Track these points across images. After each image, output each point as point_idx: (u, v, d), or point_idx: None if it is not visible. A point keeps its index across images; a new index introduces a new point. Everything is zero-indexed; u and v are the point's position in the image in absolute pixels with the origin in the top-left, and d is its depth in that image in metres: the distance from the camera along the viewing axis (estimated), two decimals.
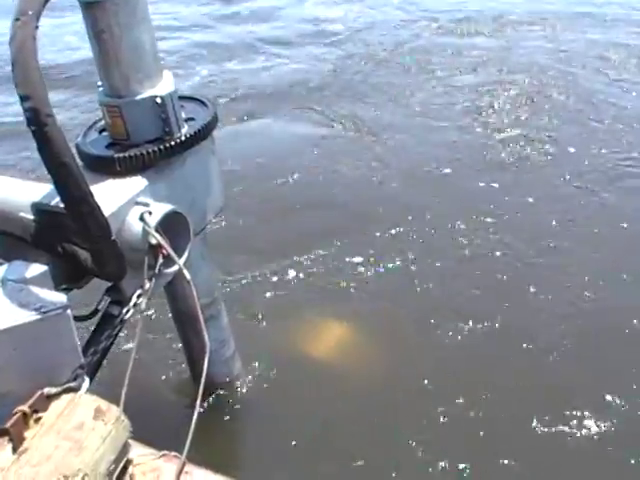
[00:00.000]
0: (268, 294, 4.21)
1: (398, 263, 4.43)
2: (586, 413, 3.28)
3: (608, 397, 3.35)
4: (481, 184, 5.30)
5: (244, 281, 4.30)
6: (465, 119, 6.50)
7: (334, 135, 6.37)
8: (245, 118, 6.80)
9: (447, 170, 5.54)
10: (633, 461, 3.05)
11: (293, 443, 3.19)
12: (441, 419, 3.27)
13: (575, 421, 3.24)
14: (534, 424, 3.22)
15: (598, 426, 3.21)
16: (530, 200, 5.07)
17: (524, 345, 3.70)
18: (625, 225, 4.71)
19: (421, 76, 7.53)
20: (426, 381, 3.49)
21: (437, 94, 7.08)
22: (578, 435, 3.18)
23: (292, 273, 4.38)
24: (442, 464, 3.06)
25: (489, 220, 4.82)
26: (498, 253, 4.49)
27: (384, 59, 8.09)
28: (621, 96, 6.75)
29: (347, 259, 4.51)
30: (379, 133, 6.31)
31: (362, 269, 4.41)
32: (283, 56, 8.49)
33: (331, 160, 5.84)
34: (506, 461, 3.06)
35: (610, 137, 5.96)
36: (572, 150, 5.77)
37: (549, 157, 5.67)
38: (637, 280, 4.17)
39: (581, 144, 5.86)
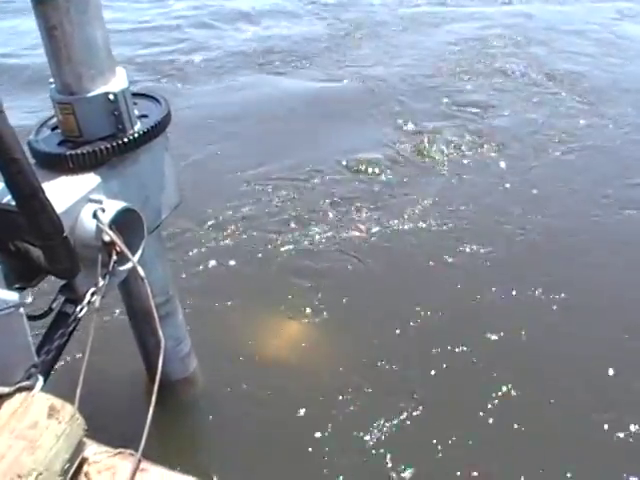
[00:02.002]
0: (227, 287, 4.20)
1: (356, 258, 4.48)
2: None
3: None
4: None
5: (201, 274, 4.30)
6: None
7: None
8: None
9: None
10: None
11: (248, 441, 3.20)
12: (398, 418, 3.28)
13: None
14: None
15: None
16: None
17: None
18: None
19: None
20: (384, 379, 3.51)
21: None
22: None
23: (249, 264, 4.39)
24: (400, 467, 3.08)
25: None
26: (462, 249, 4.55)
27: None
28: None
29: (309, 248, 4.54)
30: None
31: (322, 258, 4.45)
32: None
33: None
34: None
35: None
36: None
37: None
38: None
39: None
